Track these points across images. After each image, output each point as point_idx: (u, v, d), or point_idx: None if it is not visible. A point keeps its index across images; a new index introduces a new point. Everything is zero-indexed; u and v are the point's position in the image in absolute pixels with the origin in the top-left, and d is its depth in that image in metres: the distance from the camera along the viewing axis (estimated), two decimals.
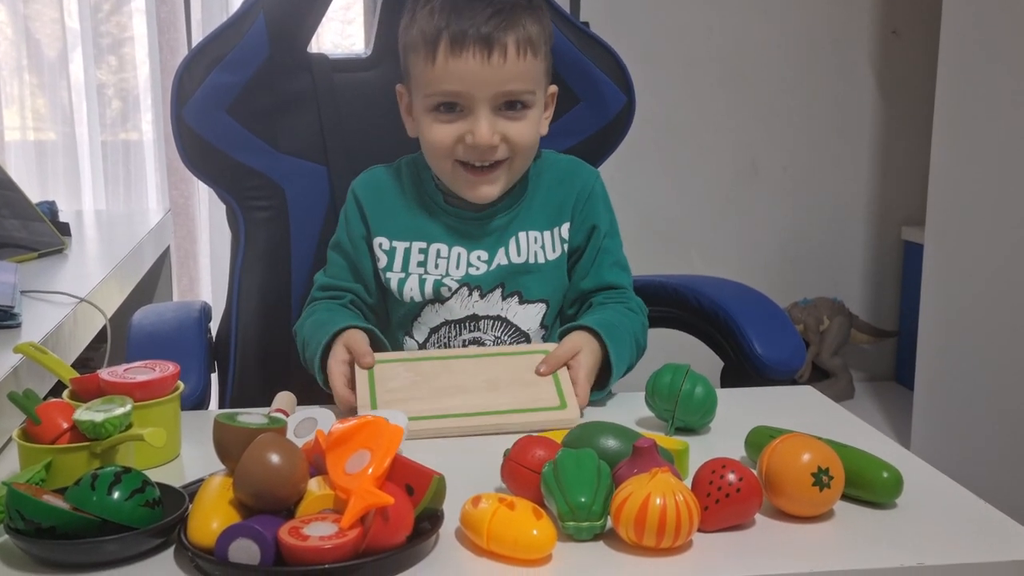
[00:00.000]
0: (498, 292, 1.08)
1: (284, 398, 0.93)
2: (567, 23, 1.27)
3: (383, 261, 1.09)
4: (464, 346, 1.08)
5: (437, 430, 0.89)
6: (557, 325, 1.12)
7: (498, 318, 1.09)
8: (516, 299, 1.09)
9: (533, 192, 1.11)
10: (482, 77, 1.00)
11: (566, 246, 1.10)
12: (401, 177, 1.13)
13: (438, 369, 0.97)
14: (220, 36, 1.22)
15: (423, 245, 1.08)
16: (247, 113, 1.22)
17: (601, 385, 1.00)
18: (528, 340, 1.09)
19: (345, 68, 1.30)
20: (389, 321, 1.12)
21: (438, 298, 1.07)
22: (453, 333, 1.09)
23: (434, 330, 1.08)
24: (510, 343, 1.09)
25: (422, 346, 1.09)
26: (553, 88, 1.11)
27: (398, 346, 1.10)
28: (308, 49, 1.28)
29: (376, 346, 1.01)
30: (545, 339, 1.10)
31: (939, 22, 2.00)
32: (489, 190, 1.05)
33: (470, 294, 1.08)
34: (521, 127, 1.03)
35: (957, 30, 1.95)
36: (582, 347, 0.99)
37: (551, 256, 1.09)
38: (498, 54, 0.99)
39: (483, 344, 1.08)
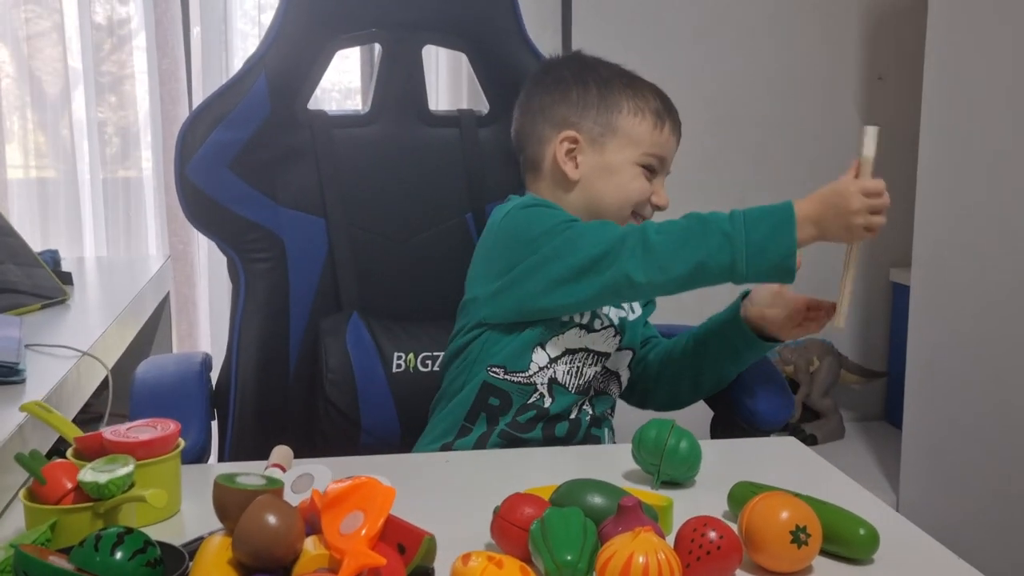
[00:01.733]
0: (617, 337, 1.19)
1: (281, 452, 0.96)
2: None
3: None
4: (596, 377, 1.17)
5: None
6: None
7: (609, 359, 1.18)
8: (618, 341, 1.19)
9: None
10: (674, 149, 1.23)
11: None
12: None
13: None
14: (223, 95, 1.26)
15: None
16: (248, 168, 1.26)
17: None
18: (619, 382, 1.21)
19: (343, 124, 1.34)
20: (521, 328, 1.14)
21: (588, 326, 1.15)
22: (590, 361, 1.15)
23: (571, 351, 1.14)
24: (603, 383, 1.19)
25: (552, 361, 1.14)
26: None
27: (527, 356, 1.14)
28: (308, 105, 1.32)
29: None
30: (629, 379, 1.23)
31: (922, 67, 2.05)
32: None
33: (615, 335, 1.17)
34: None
35: (939, 75, 2.00)
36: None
37: (634, 314, 1.22)
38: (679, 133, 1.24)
39: (614, 377, 1.19)
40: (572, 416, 1.15)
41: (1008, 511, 1.82)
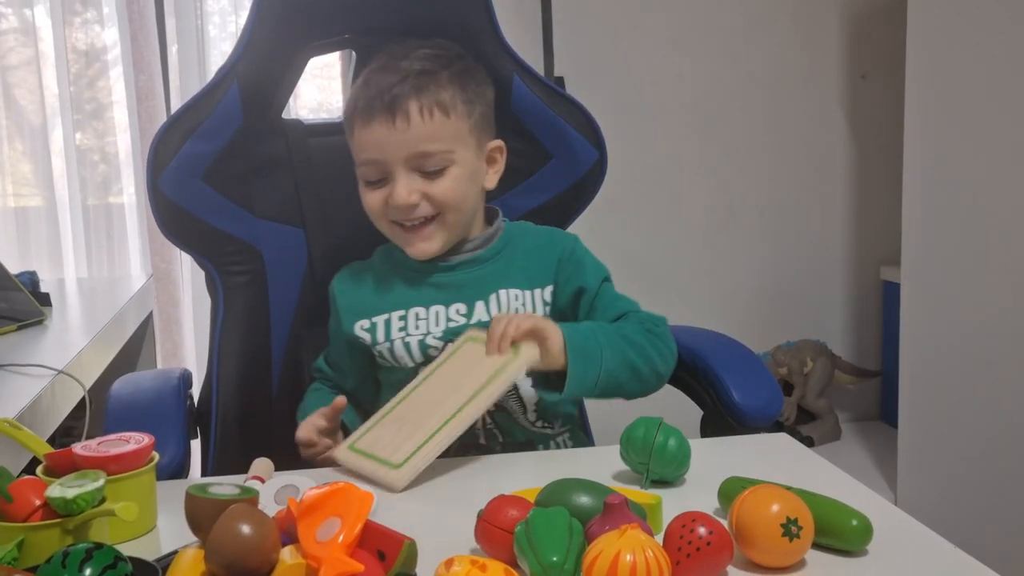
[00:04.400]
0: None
1: (261, 464, 0.94)
2: (536, 80, 1.30)
3: (367, 339, 1.13)
4: None
5: (426, 459, 0.93)
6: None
7: None
8: None
9: (510, 252, 1.16)
10: (390, 141, 1.08)
11: (548, 308, 1.14)
12: (374, 263, 1.20)
13: (404, 409, 1.01)
14: (194, 105, 1.24)
15: (402, 312, 1.13)
16: (222, 179, 1.24)
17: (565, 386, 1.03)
18: (516, 387, 1.11)
19: (319, 132, 1.32)
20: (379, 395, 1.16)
21: (428, 359, 1.10)
22: None
23: None
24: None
25: None
26: (496, 143, 1.17)
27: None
28: (284, 114, 1.30)
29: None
30: (533, 386, 1.12)
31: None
32: (425, 246, 1.12)
33: None
34: (442, 185, 1.10)
35: (921, 72, 2.00)
36: (535, 318, 1.04)
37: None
38: (400, 119, 1.08)
39: None
40: None
41: (1006, 507, 1.80)
